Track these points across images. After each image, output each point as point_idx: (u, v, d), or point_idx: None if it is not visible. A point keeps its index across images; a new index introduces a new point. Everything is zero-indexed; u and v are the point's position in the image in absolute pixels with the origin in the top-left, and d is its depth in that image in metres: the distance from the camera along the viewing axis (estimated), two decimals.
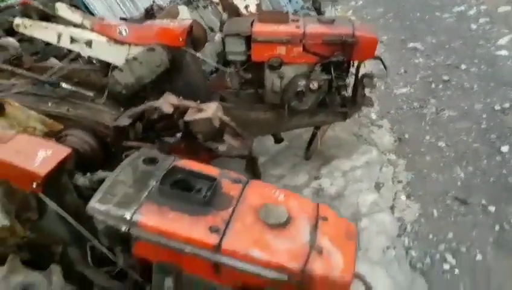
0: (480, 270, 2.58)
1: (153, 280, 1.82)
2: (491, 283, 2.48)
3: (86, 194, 2.12)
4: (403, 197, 3.17)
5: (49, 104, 3.12)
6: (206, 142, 2.90)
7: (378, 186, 3.32)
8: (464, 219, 2.96)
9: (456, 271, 2.57)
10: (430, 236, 2.82)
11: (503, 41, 5.88)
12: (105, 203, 1.70)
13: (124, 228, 1.66)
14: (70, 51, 3.88)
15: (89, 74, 3.43)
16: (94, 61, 3.56)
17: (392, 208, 3.09)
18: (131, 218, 1.65)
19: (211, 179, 1.83)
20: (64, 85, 3.18)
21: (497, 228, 2.83)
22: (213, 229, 1.66)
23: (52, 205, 1.87)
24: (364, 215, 2.90)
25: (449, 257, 2.66)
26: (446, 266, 2.62)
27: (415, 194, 3.21)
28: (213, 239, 1.63)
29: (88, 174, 2.15)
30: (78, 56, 3.64)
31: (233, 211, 1.76)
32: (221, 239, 1.63)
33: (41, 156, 1.86)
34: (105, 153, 2.89)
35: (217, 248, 1.62)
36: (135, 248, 1.72)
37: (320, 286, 1.64)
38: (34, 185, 1.81)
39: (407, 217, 2.99)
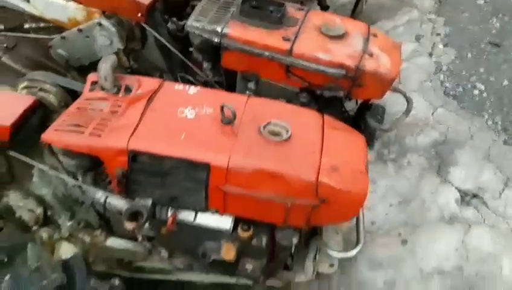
0: (506, 91, 2.98)
1: (237, 87, 2.33)
2: None
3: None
4: (441, 46, 3.48)
5: None
6: None
7: (418, 38, 3.62)
8: (495, 57, 3.29)
9: (484, 94, 2.98)
10: (463, 72, 3.18)
11: None
12: (200, 22, 2.15)
13: (216, 39, 2.12)
14: None
15: None
16: None
17: (430, 54, 3.43)
18: (222, 31, 2.10)
19: (280, 4, 2.23)
20: None
21: None
22: (285, 39, 2.10)
23: (153, 32, 2.35)
24: (405, 60, 3.25)
25: (479, 85, 3.06)
26: (476, 92, 3.03)
27: (452, 42, 3.51)
28: (286, 45, 2.08)
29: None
30: None
31: (300, 27, 2.18)
32: (292, 45, 2.08)
33: None
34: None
35: (289, 52, 2.08)
36: (224, 59, 2.20)
37: (370, 79, 2.10)
38: (139, 14, 2.28)
39: (443, 60, 3.33)
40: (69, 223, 2.02)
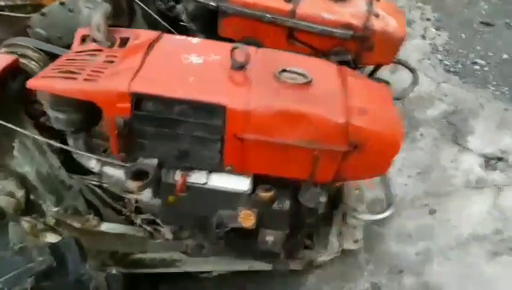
0: (507, 63, 2.94)
1: None
2: None
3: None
4: (433, 29, 3.45)
5: None
6: None
7: (409, 23, 3.55)
8: (489, 35, 3.28)
9: (486, 68, 2.93)
10: (460, 50, 3.15)
11: None
12: None
13: (213, 3, 1.97)
14: None
15: None
16: None
17: (423, 36, 3.38)
18: None
19: None
20: None
21: None
22: (287, 0, 1.97)
23: (141, 5, 2.18)
24: None
25: (479, 61, 3.02)
26: (477, 67, 2.98)
27: (444, 26, 3.48)
28: (288, 6, 1.95)
29: None
30: None
31: None
32: (295, 6, 1.95)
33: None
34: None
35: (292, 13, 1.94)
36: (221, 26, 2.04)
37: (378, 39, 1.98)
38: None
39: (438, 41, 3.29)
40: (55, 209, 1.77)
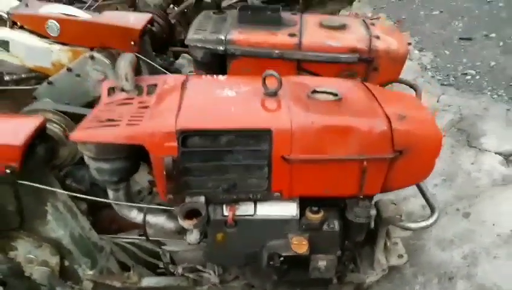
0: (496, 69, 3.07)
1: None
2: (506, 74, 2.97)
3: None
4: (416, 52, 3.62)
5: None
6: None
7: None
8: (472, 48, 3.45)
9: (477, 77, 3.06)
10: (448, 65, 3.29)
11: None
12: (201, 33, 2.06)
13: (221, 48, 2.02)
14: None
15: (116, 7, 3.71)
16: None
17: (410, 59, 3.54)
18: (225, 38, 2.01)
19: (276, 9, 2.20)
20: None
21: (500, 44, 3.32)
22: (291, 35, 2.05)
23: (148, 61, 2.24)
24: None
25: (469, 71, 3.15)
26: (468, 77, 3.11)
27: (426, 47, 3.66)
28: (294, 40, 2.02)
29: None
30: None
31: (301, 24, 2.15)
32: (300, 39, 2.03)
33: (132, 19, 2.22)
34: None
35: (299, 46, 2.01)
36: (231, 68, 2.09)
37: (384, 59, 2.05)
38: (132, 43, 2.16)
39: (424, 61, 3.44)
40: (90, 272, 1.70)
